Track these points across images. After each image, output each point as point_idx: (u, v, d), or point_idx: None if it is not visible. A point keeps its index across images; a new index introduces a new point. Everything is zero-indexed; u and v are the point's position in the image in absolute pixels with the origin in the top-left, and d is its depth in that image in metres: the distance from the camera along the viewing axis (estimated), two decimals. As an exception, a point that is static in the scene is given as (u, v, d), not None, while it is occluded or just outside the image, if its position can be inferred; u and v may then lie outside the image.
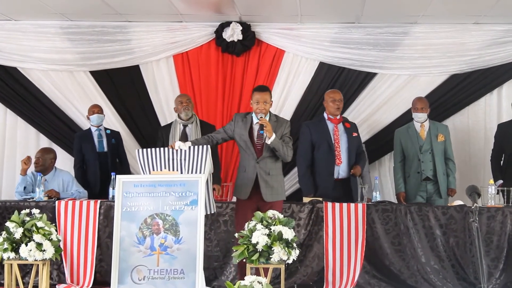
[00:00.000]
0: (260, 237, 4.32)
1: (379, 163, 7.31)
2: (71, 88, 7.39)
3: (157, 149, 5.02)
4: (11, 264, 4.59)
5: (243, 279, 3.24)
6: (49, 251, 4.50)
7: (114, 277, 4.62)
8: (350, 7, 6.70)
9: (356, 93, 7.20)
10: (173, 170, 4.93)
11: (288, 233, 4.37)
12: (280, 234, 4.35)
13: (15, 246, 4.51)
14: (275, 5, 6.76)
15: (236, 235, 4.60)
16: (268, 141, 5.04)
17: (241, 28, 7.14)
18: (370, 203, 5.67)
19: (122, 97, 7.41)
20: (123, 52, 7.35)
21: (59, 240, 4.65)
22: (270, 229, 4.39)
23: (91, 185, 6.58)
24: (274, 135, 5.03)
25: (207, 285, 4.81)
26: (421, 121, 6.34)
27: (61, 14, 7.07)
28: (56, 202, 5.62)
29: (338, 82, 7.18)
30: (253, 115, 5.22)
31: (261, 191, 5.12)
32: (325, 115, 6.14)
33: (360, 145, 6.21)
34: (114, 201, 4.98)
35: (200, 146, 4.97)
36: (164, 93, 7.40)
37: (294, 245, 4.41)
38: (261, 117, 5.07)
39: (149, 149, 5.02)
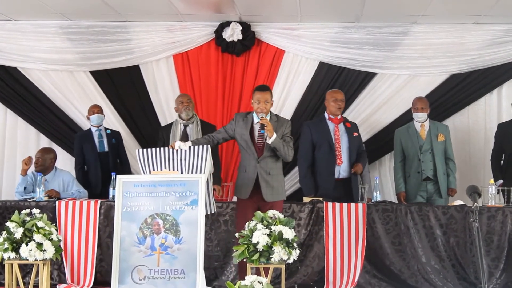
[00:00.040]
0: (260, 237, 4.32)
1: (379, 163, 7.31)
2: (71, 88, 7.39)
3: (157, 149, 5.02)
4: (12, 264, 4.58)
5: (244, 279, 3.25)
6: (50, 251, 4.49)
7: (114, 277, 4.62)
8: (350, 7, 6.70)
9: (356, 93, 7.21)
10: (173, 170, 4.94)
11: (289, 233, 4.37)
12: (280, 234, 4.36)
13: (15, 246, 4.51)
14: (275, 5, 6.76)
15: (237, 235, 4.60)
16: (269, 141, 5.04)
17: (241, 28, 7.14)
18: (370, 203, 5.67)
19: (122, 97, 7.42)
20: (123, 52, 7.35)
21: (59, 240, 4.65)
22: (271, 229, 4.39)
23: (92, 186, 6.58)
24: (275, 135, 5.04)
25: (207, 285, 4.81)
26: (421, 121, 6.35)
27: (61, 14, 7.07)
28: (57, 202, 5.62)
29: (338, 82, 7.18)
30: (254, 114, 5.22)
31: (261, 191, 5.12)
32: (325, 115, 6.14)
33: (361, 145, 6.21)
34: (114, 201, 4.97)
35: (200, 146, 4.98)
36: (164, 93, 7.40)
37: (295, 245, 4.41)
38: (262, 117, 5.07)
39: (149, 149, 5.02)
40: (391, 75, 7.26)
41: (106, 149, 6.70)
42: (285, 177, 6.18)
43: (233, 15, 7.04)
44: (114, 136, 6.81)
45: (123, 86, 7.43)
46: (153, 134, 7.14)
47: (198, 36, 7.33)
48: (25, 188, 6.09)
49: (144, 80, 7.40)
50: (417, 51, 7.17)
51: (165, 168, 4.94)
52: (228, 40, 7.17)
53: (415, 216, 5.47)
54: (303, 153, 6.08)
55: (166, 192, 4.73)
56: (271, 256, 4.33)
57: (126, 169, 6.76)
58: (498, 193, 5.90)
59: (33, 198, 5.87)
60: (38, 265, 4.58)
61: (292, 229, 4.43)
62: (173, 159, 4.98)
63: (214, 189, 5.54)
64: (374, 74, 7.25)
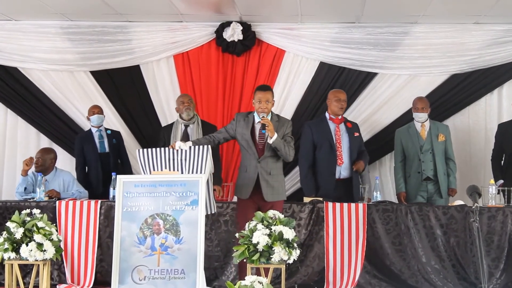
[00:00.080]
0: (260, 237, 4.32)
1: (379, 163, 7.31)
2: (71, 88, 7.39)
3: (158, 149, 5.02)
4: (12, 264, 4.59)
5: (244, 279, 3.25)
6: (50, 251, 4.50)
7: (114, 277, 4.62)
8: (351, 7, 6.70)
9: (356, 93, 7.20)
10: (173, 170, 4.94)
11: (289, 233, 4.37)
12: (280, 234, 4.36)
13: (15, 246, 4.51)
14: (276, 5, 6.76)
15: (237, 235, 4.60)
16: (270, 141, 5.05)
17: (241, 28, 7.14)
18: (370, 203, 5.67)
19: (122, 97, 7.41)
20: (123, 52, 7.34)
21: (59, 240, 4.66)
22: (271, 229, 4.39)
23: (93, 186, 6.58)
24: (276, 135, 5.04)
25: (207, 285, 4.81)
26: (421, 121, 6.34)
27: (61, 14, 7.07)
28: (57, 202, 5.62)
29: (339, 82, 7.17)
30: (255, 114, 5.22)
31: (262, 191, 5.12)
32: (326, 115, 6.15)
33: (361, 145, 6.21)
34: (114, 201, 4.97)
35: (201, 146, 4.98)
36: (164, 93, 7.39)
37: (295, 245, 4.41)
38: (263, 117, 5.07)
39: (149, 149, 5.03)
40: (391, 75, 7.25)
41: (107, 149, 6.69)
42: (285, 177, 6.19)
43: (233, 15, 7.04)
44: (114, 136, 6.80)
45: (124, 86, 7.43)
46: (153, 134, 7.15)
47: (198, 36, 7.33)
48: (25, 188, 6.09)
49: (145, 80, 7.40)
50: (417, 51, 7.17)
51: (166, 168, 4.94)
52: (229, 40, 7.17)
53: (415, 216, 5.47)
54: (304, 153, 6.08)
55: (167, 192, 4.73)
56: (271, 256, 4.33)
57: (127, 169, 6.75)
58: (498, 193, 5.90)
59: (33, 198, 5.87)
60: (38, 265, 4.59)
61: (292, 229, 4.43)
62: (173, 159, 4.98)
63: (214, 190, 5.54)
64: (375, 74, 7.25)
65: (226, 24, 7.17)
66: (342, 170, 5.98)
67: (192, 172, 4.91)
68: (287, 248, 4.34)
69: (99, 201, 5.61)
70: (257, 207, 5.09)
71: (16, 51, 7.35)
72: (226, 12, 6.97)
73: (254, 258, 4.33)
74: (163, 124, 7.14)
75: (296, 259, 4.41)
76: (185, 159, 4.96)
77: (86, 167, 6.74)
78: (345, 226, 5.44)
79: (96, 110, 6.70)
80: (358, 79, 7.23)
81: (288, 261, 4.38)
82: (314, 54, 7.27)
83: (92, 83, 7.39)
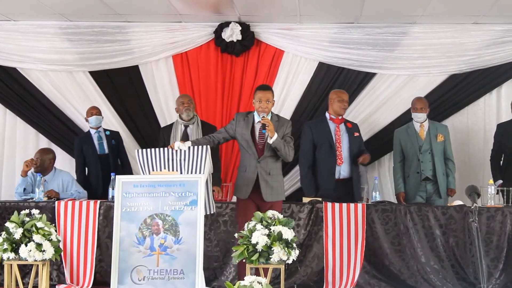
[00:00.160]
0: (259, 237, 4.32)
1: (378, 163, 7.31)
2: (70, 88, 7.38)
3: (157, 149, 5.02)
4: (11, 265, 4.59)
5: (243, 279, 3.25)
6: (49, 252, 4.50)
7: (114, 278, 4.62)
8: (349, 7, 6.69)
9: (355, 93, 7.19)
10: (172, 170, 4.94)
11: (288, 233, 4.37)
12: (279, 234, 4.36)
13: (14, 247, 4.51)
14: (274, 5, 6.76)
15: (236, 235, 4.60)
16: (270, 141, 5.05)
17: (240, 28, 7.13)
18: (369, 203, 5.67)
19: (121, 97, 7.41)
20: (122, 52, 7.34)
21: (58, 241, 4.66)
22: (270, 229, 4.39)
23: (93, 188, 6.57)
24: (276, 135, 5.04)
25: (207, 285, 4.82)
26: (420, 121, 6.35)
27: (60, 15, 7.07)
28: (56, 202, 5.62)
29: (338, 82, 7.17)
30: (255, 114, 5.23)
31: (261, 191, 5.12)
32: (327, 115, 6.16)
33: (361, 145, 6.21)
34: (113, 201, 4.97)
35: (200, 146, 4.98)
36: (163, 93, 7.39)
37: (294, 245, 4.41)
38: (263, 117, 5.07)
39: (148, 149, 5.03)
40: (390, 75, 7.25)
41: (106, 151, 6.68)
42: (284, 177, 6.21)
43: (232, 15, 7.04)
44: (113, 137, 6.79)
45: (123, 86, 7.42)
46: (152, 134, 7.16)
47: (197, 37, 7.33)
48: (24, 189, 6.09)
49: (144, 80, 7.39)
50: (416, 51, 7.17)
51: (165, 168, 4.94)
52: (228, 41, 7.17)
53: (414, 216, 5.47)
54: (304, 153, 6.09)
55: (166, 193, 4.73)
56: (270, 256, 4.33)
57: (127, 169, 6.74)
58: (497, 193, 5.89)
59: (32, 198, 5.87)
60: (38, 265, 4.59)
61: (292, 230, 4.43)
62: (172, 160, 4.98)
63: (213, 191, 5.54)
64: (373, 74, 7.25)
65: (225, 25, 7.17)
66: (342, 170, 5.99)
67: (191, 172, 4.91)
68: (286, 248, 4.34)
69: (98, 201, 5.61)
70: (257, 207, 5.09)
71: (15, 51, 7.34)
72: (225, 13, 6.97)
73: (253, 258, 4.33)
74: (162, 124, 7.13)
75: (295, 259, 4.41)
76: (184, 159, 4.96)
77: (86, 169, 6.73)
78: (344, 226, 5.44)
79: (94, 111, 6.69)
80: (357, 80, 7.23)
81: (287, 261, 4.38)
82: (313, 54, 7.27)
83: (91, 83, 7.38)
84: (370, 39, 7.15)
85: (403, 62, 7.20)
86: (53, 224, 4.94)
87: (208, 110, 7.28)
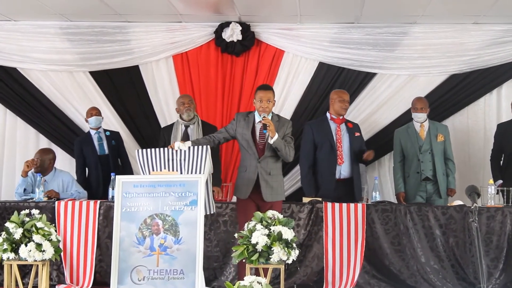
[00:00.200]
0: (259, 237, 4.32)
1: (378, 163, 7.31)
2: (70, 88, 7.38)
3: (157, 149, 5.03)
4: (11, 265, 4.59)
5: (243, 280, 3.25)
6: (49, 252, 4.50)
7: (113, 278, 4.62)
8: (350, 7, 6.69)
9: (355, 93, 7.19)
10: (172, 170, 4.94)
11: (288, 233, 4.37)
12: (279, 234, 4.36)
13: (14, 247, 4.51)
14: (275, 5, 6.76)
15: (236, 235, 4.60)
16: (271, 141, 5.04)
17: (240, 28, 7.13)
18: (369, 203, 5.67)
19: (121, 97, 7.41)
20: (122, 52, 7.34)
21: (58, 241, 4.65)
22: (270, 229, 4.39)
23: (93, 189, 6.57)
24: (276, 135, 5.04)
25: (206, 285, 4.82)
26: (420, 121, 6.35)
27: (60, 15, 7.07)
28: (56, 202, 5.62)
29: (338, 82, 7.17)
30: (256, 114, 5.23)
31: (261, 191, 5.12)
32: (328, 115, 6.16)
33: (362, 145, 6.21)
34: (113, 202, 4.97)
35: (200, 146, 4.98)
36: (163, 94, 7.39)
37: (294, 245, 4.41)
38: (264, 117, 5.07)
39: (148, 150, 5.03)
40: (390, 75, 7.25)
41: (106, 151, 6.67)
42: (284, 177, 6.21)
43: (232, 15, 7.04)
44: (113, 138, 6.78)
45: (123, 86, 7.42)
46: (152, 134, 7.16)
47: (197, 37, 7.33)
48: (24, 189, 6.09)
49: (144, 80, 7.40)
50: (416, 51, 7.17)
51: (165, 168, 4.94)
52: (228, 41, 7.17)
53: (414, 216, 5.47)
54: (305, 153, 6.10)
55: (166, 193, 4.73)
56: (270, 256, 4.33)
57: (127, 170, 6.74)
58: (497, 193, 5.89)
59: (32, 198, 5.87)
60: (37, 265, 4.59)
61: (292, 230, 4.43)
62: (172, 160, 4.98)
63: (213, 191, 5.54)
64: (374, 74, 7.25)
65: (225, 25, 7.17)
66: (343, 170, 6.00)
67: (191, 173, 4.91)
68: (286, 248, 4.33)
69: (98, 201, 5.61)
70: (257, 207, 5.09)
71: (15, 51, 7.34)
72: (225, 13, 6.97)
73: (253, 258, 4.33)
74: (162, 124, 7.14)
75: (295, 259, 4.41)
76: (184, 160, 4.96)
77: (86, 170, 6.73)
78: (344, 226, 5.44)
79: (94, 112, 6.68)
80: (357, 80, 7.23)
81: (287, 261, 4.38)
82: (313, 54, 7.27)
83: (91, 83, 7.38)
84: (370, 39, 7.15)
85: (403, 62, 7.20)
86: (53, 224, 4.94)
87: (208, 110, 7.28)
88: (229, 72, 7.34)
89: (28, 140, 7.45)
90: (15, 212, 4.68)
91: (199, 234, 4.59)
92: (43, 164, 6.22)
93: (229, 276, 5.50)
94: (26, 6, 6.79)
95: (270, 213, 4.54)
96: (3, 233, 4.56)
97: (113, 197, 5.46)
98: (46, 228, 4.58)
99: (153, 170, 4.95)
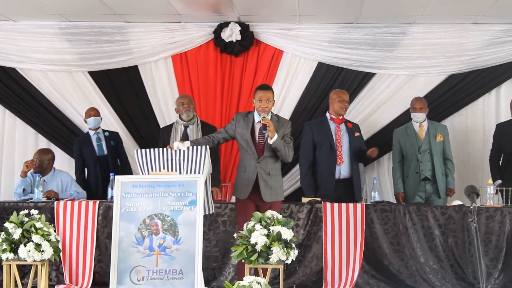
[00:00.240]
0: (259, 238, 4.32)
1: (377, 163, 7.31)
2: (69, 88, 7.38)
3: (156, 149, 5.03)
4: (10, 265, 4.59)
5: (242, 280, 3.24)
6: (48, 252, 4.49)
7: (113, 278, 4.62)
8: (349, 7, 6.70)
9: (354, 93, 7.19)
10: (171, 170, 4.94)
11: (287, 234, 4.37)
12: (279, 234, 4.35)
13: (13, 247, 4.51)
14: (274, 5, 6.76)
15: (235, 235, 4.60)
16: (271, 141, 5.04)
17: (239, 28, 7.13)
18: (368, 203, 5.67)
19: (120, 97, 7.41)
20: (121, 52, 7.34)
21: (58, 241, 4.65)
22: (269, 229, 4.39)
23: (92, 189, 6.57)
24: (276, 135, 5.04)
25: (206, 285, 4.82)
26: (419, 121, 6.35)
27: (59, 15, 7.06)
28: (55, 202, 5.62)
29: (337, 82, 7.17)
30: (255, 114, 5.22)
31: (260, 191, 5.12)
32: (327, 115, 6.16)
33: (362, 145, 6.21)
34: (113, 202, 4.97)
35: (199, 146, 4.98)
36: (162, 94, 7.39)
37: (293, 245, 4.41)
38: (264, 117, 5.07)
39: (147, 150, 5.03)
40: (389, 75, 7.26)
41: (105, 152, 6.67)
42: (283, 177, 6.22)
43: (231, 15, 7.04)
44: (112, 138, 6.77)
45: (122, 86, 7.42)
46: (152, 134, 7.16)
47: (196, 37, 7.32)
48: (24, 189, 6.09)
49: (143, 80, 7.39)
50: (415, 51, 7.17)
51: (164, 168, 4.94)
52: (227, 41, 7.17)
53: (413, 216, 5.47)
54: (304, 153, 6.10)
55: (165, 193, 4.74)
56: (269, 256, 4.32)
57: (127, 170, 6.73)
58: (496, 193, 5.90)
59: (31, 199, 5.87)
60: (37, 265, 4.58)
61: (291, 230, 4.43)
62: (171, 160, 4.98)
63: (212, 191, 5.54)
64: (373, 74, 7.25)
65: (224, 25, 7.17)
66: (342, 170, 5.99)
67: (190, 173, 4.91)
68: (285, 248, 4.33)
69: (97, 201, 5.61)
70: (256, 207, 5.09)
71: (14, 51, 7.34)
72: (224, 13, 6.97)
73: (252, 258, 4.33)
74: (161, 124, 7.13)
75: (294, 260, 4.41)
76: (183, 160, 4.96)
77: (86, 170, 6.73)
78: (343, 226, 5.44)
79: (92, 112, 6.68)
80: (356, 80, 7.23)
81: (286, 262, 4.38)
82: (312, 54, 7.27)
83: (90, 83, 7.38)
84: (369, 39, 7.15)
85: (402, 62, 7.20)
86: (52, 225, 4.94)
87: (207, 110, 7.28)
88: (228, 72, 7.34)
89: (27, 140, 7.45)
90: (14, 212, 4.68)
91: (198, 234, 4.59)
92: (42, 164, 6.22)
93: (228, 276, 5.50)
94: (25, 6, 6.79)
95: (269, 213, 4.53)
96: (2, 233, 4.55)
97: (112, 197, 5.45)
98: (45, 228, 4.58)
99: (152, 170, 4.95)
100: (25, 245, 4.46)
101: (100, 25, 7.29)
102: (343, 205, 5.48)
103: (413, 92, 6.95)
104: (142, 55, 7.36)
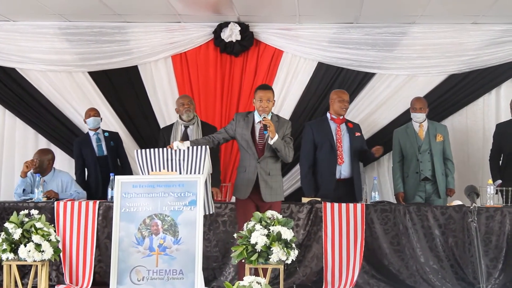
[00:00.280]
0: (259, 238, 4.32)
1: (377, 163, 7.30)
2: (69, 89, 7.38)
3: (156, 149, 5.03)
4: (10, 265, 4.58)
5: (242, 280, 3.24)
6: (48, 252, 4.49)
7: (113, 278, 4.62)
8: (349, 7, 6.70)
9: (354, 93, 7.19)
10: (171, 170, 4.94)
11: (287, 234, 4.37)
12: (279, 234, 4.35)
13: (14, 247, 4.51)
14: (274, 5, 6.76)
15: (235, 235, 4.60)
16: (271, 142, 5.04)
17: (239, 28, 7.13)
18: (368, 203, 5.67)
19: (120, 98, 7.40)
20: (121, 52, 7.34)
21: (58, 241, 4.65)
22: (269, 229, 4.39)
23: (92, 190, 6.57)
24: (277, 136, 5.03)
25: (206, 285, 4.82)
26: (419, 121, 6.35)
27: (59, 15, 7.06)
28: (55, 202, 5.62)
29: (337, 83, 7.17)
30: (255, 114, 5.22)
31: (260, 191, 5.12)
32: (328, 115, 6.16)
33: (364, 145, 6.22)
34: (113, 202, 4.97)
35: (199, 146, 4.98)
36: (162, 94, 7.39)
37: (293, 245, 4.41)
38: (264, 117, 5.06)
39: (147, 150, 5.03)
40: (389, 75, 7.26)
41: (105, 152, 6.66)
42: (284, 177, 6.22)
43: (231, 15, 7.04)
44: (112, 138, 6.77)
45: (122, 86, 7.42)
46: (152, 135, 7.16)
47: (196, 37, 7.32)
48: (24, 190, 6.09)
49: (143, 80, 7.39)
50: (415, 51, 7.17)
51: (164, 168, 4.94)
52: (227, 41, 7.17)
53: (413, 216, 5.47)
54: (305, 153, 6.11)
55: (165, 193, 4.73)
56: (269, 256, 4.32)
57: (127, 170, 6.73)
58: (496, 193, 5.90)
59: (31, 199, 5.87)
60: (37, 266, 4.58)
61: (291, 230, 4.42)
62: (171, 160, 4.98)
63: (212, 192, 5.54)
64: (373, 74, 7.25)
65: (224, 25, 7.17)
66: (343, 170, 6.00)
67: (190, 173, 4.91)
68: (285, 248, 4.33)
69: (97, 201, 5.61)
70: (256, 207, 5.09)
71: (14, 51, 7.34)
72: (224, 13, 6.97)
73: (253, 258, 4.33)
74: (161, 125, 7.13)
75: (294, 260, 4.40)
76: (183, 160, 4.96)
77: (86, 170, 6.73)
78: (343, 226, 5.44)
79: (91, 112, 6.68)
80: (356, 80, 7.23)
81: (286, 262, 4.38)
82: (312, 54, 7.27)
83: (90, 84, 7.38)
84: (369, 39, 7.15)
85: (402, 62, 7.20)
86: (52, 225, 4.94)
87: (207, 110, 7.28)
88: (228, 72, 7.34)
89: (27, 141, 7.45)
90: (14, 213, 4.67)
91: (198, 234, 4.59)
92: (42, 164, 6.22)
93: (229, 276, 5.50)
94: (25, 6, 6.79)
95: (269, 213, 4.53)
96: (3, 233, 4.55)
97: (112, 197, 5.45)
98: (45, 229, 4.57)
99: (152, 170, 4.95)
100: (25, 245, 4.46)
101: (100, 25, 7.28)
102: (343, 205, 5.49)
103: (413, 92, 6.96)
104: (142, 55, 7.36)
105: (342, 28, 7.19)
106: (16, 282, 4.63)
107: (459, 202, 5.68)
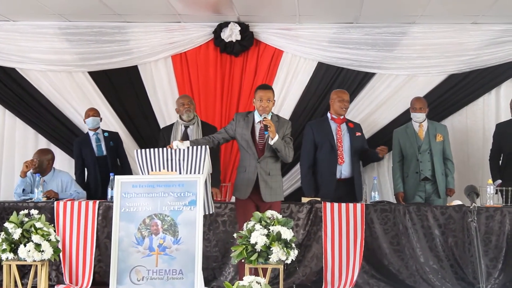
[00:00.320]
0: (258, 238, 4.32)
1: (377, 163, 7.28)
2: (69, 88, 7.38)
3: (156, 149, 5.03)
4: (10, 265, 4.59)
5: (242, 280, 3.24)
6: (48, 252, 4.50)
7: (112, 278, 4.62)
8: (349, 7, 6.70)
9: (354, 93, 7.18)
10: (171, 170, 4.94)
11: (287, 233, 4.37)
12: (278, 234, 4.35)
13: (13, 247, 4.51)
14: (274, 5, 6.76)
15: (235, 235, 4.60)
16: (271, 142, 5.03)
17: (239, 28, 7.13)
18: (367, 203, 5.67)
19: (120, 97, 7.41)
20: (121, 52, 7.34)
21: (57, 241, 4.65)
22: (269, 229, 4.39)
23: (92, 190, 6.57)
24: (277, 136, 5.03)
25: (205, 285, 4.82)
26: (419, 121, 6.35)
27: (59, 15, 7.07)
28: (55, 202, 5.62)
29: (337, 82, 7.17)
30: (255, 114, 5.22)
31: (260, 191, 5.12)
32: (328, 115, 6.17)
33: (364, 144, 6.22)
34: (112, 202, 4.97)
35: (199, 146, 4.98)
36: (162, 94, 7.39)
37: (293, 245, 4.41)
38: (264, 117, 5.06)
39: (147, 149, 5.03)
40: (389, 75, 7.26)
41: (104, 152, 6.66)
42: (283, 177, 6.22)
43: (231, 15, 7.04)
44: (112, 138, 6.77)
45: (122, 86, 7.42)
46: (151, 135, 7.16)
47: (196, 37, 7.32)
48: (23, 190, 6.09)
49: (143, 80, 7.39)
50: (415, 51, 7.17)
51: (164, 168, 4.94)
52: (227, 41, 7.17)
53: (413, 216, 5.47)
54: (305, 153, 6.12)
55: (165, 193, 4.73)
56: (269, 256, 4.32)
57: (126, 170, 6.73)
58: (496, 193, 5.90)
59: (31, 199, 5.87)
60: (37, 265, 4.58)
61: (291, 230, 4.43)
62: (171, 160, 4.98)
63: (211, 192, 5.54)
64: (373, 74, 7.25)
65: (224, 25, 7.17)
66: (343, 170, 6.01)
67: (190, 173, 4.91)
68: (285, 248, 4.33)
69: (97, 201, 5.61)
70: (256, 207, 5.09)
71: (14, 51, 7.34)
72: (224, 13, 6.97)
73: (252, 258, 4.33)
74: (161, 125, 7.14)
75: (294, 260, 4.41)
76: (183, 159, 4.96)
77: (86, 170, 6.73)
78: (343, 226, 5.44)
79: (91, 113, 6.67)
80: (356, 80, 7.23)
81: (286, 262, 4.38)
82: (312, 54, 7.27)
83: (90, 83, 7.38)
84: (369, 39, 7.15)
85: (402, 62, 7.20)
86: (52, 225, 4.94)
87: (207, 110, 7.28)
88: (228, 72, 7.34)
89: (27, 141, 7.44)
90: (14, 212, 4.68)
91: (198, 234, 4.59)
92: (42, 164, 6.22)
93: (228, 276, 5.50)
94: (25, 6, 6.79)
95: (269, 213, 4.53)
96: (2, 233, 4.55)
97: (112, 197, 5.45)
98: (45, 228, 4.58)
99: (152, 170, 4.95)
100: (25, 245, 4.46)
101: (100, 25, 7.29)
102: (343, 205, 5.49)
103: (413, 92, 6.96)
104: (142, 55, 7.36)
105: (342, 28, 7.19)
106: (16, 282, 4.63)
107: (459, 202, 5.68)
